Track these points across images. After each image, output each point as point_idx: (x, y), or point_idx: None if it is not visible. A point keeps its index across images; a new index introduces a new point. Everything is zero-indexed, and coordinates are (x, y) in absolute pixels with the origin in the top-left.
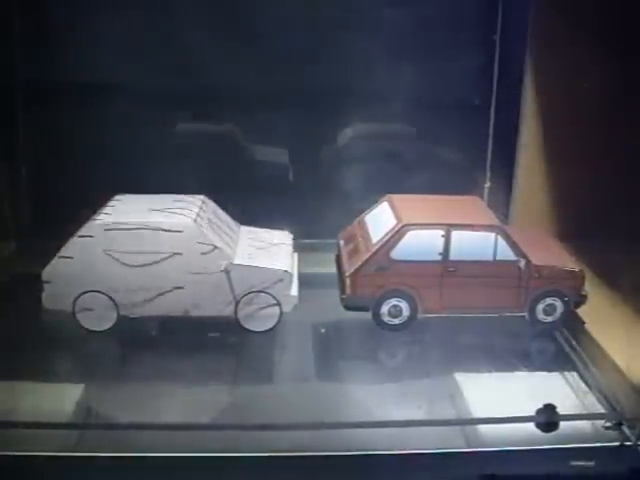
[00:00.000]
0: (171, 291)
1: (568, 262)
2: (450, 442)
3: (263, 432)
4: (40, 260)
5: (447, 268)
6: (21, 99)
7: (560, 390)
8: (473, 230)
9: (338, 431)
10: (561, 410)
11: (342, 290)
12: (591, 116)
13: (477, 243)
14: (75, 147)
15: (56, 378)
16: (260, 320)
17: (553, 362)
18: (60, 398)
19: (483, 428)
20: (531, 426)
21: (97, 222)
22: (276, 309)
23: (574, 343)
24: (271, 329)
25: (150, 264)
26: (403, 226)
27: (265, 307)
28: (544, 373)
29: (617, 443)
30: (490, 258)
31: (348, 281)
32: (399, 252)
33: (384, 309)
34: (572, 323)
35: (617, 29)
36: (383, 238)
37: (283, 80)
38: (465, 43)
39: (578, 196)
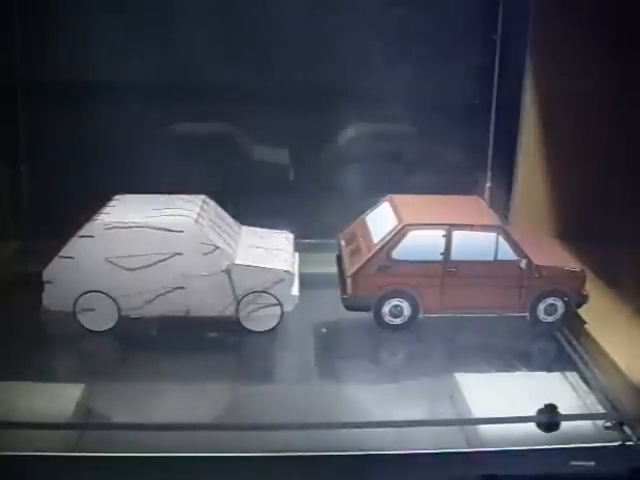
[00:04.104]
0: (172, 291)
1: (569, 262)
2: (450, 442)
3: (263, 432)
4: (40, 260)
5: (448, 268)
6: (21, 99)
7: (561, 390)
8: (474, 230)
9: (338, 431)
10: (562, 410)
11: (343, 290)
12: (591, 116)
13: (478, 243)
14: (75, 147)
15: (56, 378)
16: (261, 320)
17: (554, 362)
18: (60, 398)
19: (483, 428)
20: (531, 426)
21: (98, 222)
22: (277, 309)
23: (575, 343)
24: (272, 329)
25: (151, 264)
26: (404, 226)
27: (266, 307)
28: (545, 373)
29: (618, 443)
30: (491, 258)
31: (349, 281)
32: (400, 252)
33: (385, 309)
34: (573, 323)
35: (617, 29)
36: (384, 238)
37: (284, 80)
38: (465, 43)
39: (578, 196)
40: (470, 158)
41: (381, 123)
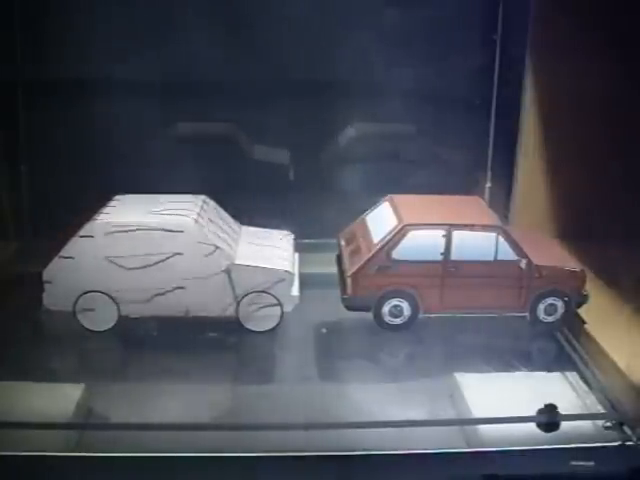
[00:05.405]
0: (172, 291)
1: (569, 262)
2: (450, 442)
3: (263, 432)
4: (40, 260)
5: (448, 268)
6: (21, 99)
7: (561, 390)
8: (474, 230)
9: (338, 431)
10: (561, 410)
11: (343, 290)
12: (591, 116)
13: (478, 243)
14: (75, 147)
15: (56, 378)
16: (261, 320)
17: (554, 362)
18: (60, 398)
19: (483, 428)
20: (531, 426)
21: (98, 222)
22: (277, 309)
23: (575, 343)
24: (272, 329)
25: (151, 264)
26: (404, 226)
27: (266, 307)
28: (545, 373)
29: (618, 443)
30: (491, 258)
31: (349, 281)
32: (400, 252)
33: (385, 309)
34: (573, 323)
35: (618, 29)
36: (384, 238)
37: (284, 79)
38: (465, 43)
39: (578, 196)
40: (470, 158)
41: (381, 123)
